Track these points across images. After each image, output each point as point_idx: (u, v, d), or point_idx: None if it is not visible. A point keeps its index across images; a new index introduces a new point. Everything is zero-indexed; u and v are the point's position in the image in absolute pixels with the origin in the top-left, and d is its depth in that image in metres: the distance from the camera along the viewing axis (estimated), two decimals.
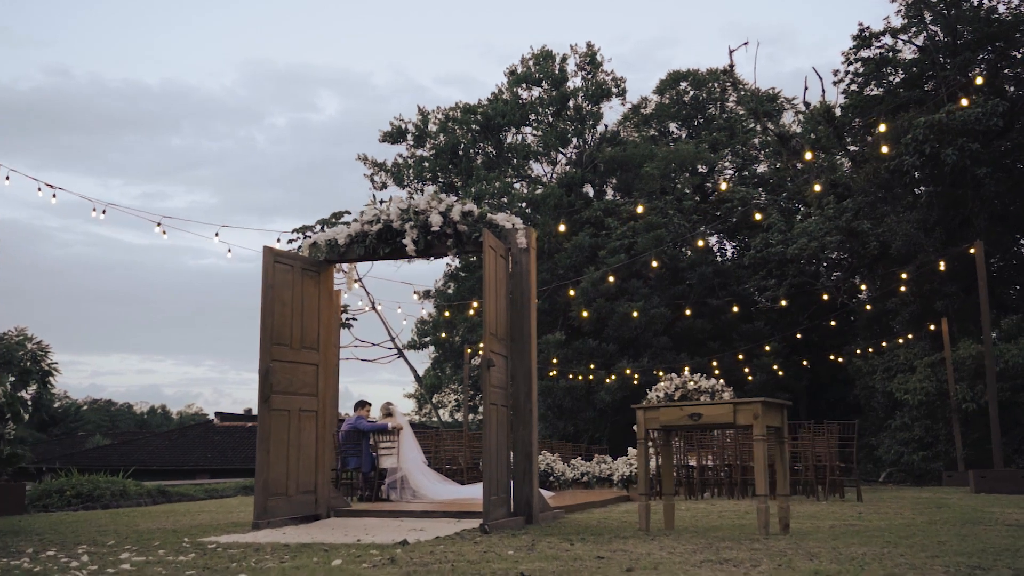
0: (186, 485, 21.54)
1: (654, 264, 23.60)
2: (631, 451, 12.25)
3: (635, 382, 25.05)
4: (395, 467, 11.82)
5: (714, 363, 24.58)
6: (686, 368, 23.14)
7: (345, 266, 8.15)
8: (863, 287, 26.89)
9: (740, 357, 25.48)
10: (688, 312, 26.99)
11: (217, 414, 42.18)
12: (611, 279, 25.58)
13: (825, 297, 24.52)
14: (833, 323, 29.00)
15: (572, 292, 25.68)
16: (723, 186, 33.37)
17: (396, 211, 7.74)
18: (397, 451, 11.86)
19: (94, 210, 12.12)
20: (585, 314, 25.26)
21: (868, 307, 25.62)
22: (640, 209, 24.67)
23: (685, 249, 29.65)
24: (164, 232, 12.19)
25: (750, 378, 25.81)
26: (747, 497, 11.85)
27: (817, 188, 23.23)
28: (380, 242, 7.76)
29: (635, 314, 25.38)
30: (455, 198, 7.39)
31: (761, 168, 36.59)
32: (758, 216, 25.56)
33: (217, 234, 11.78)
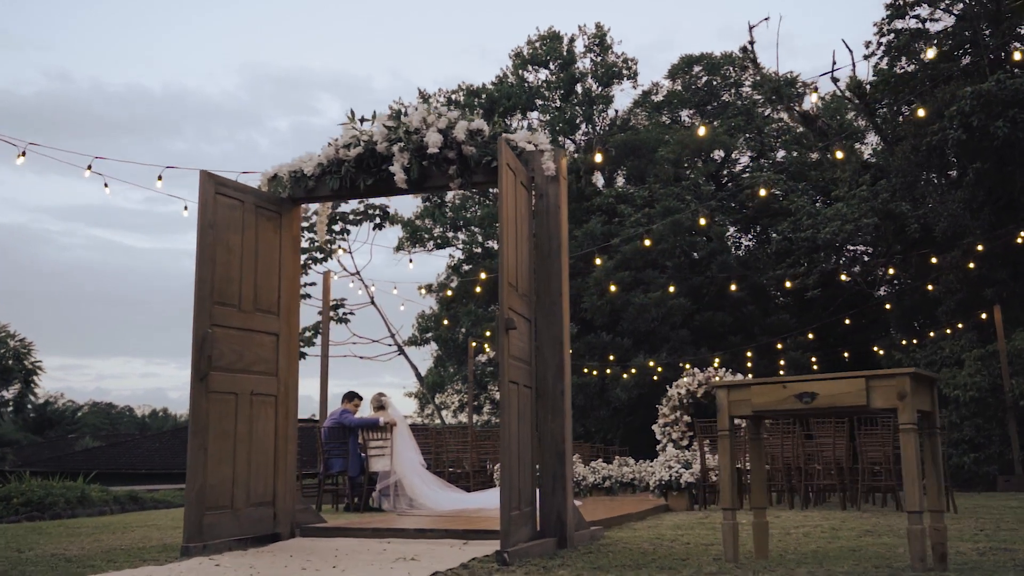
0: (170, 490, 19.82)
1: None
2: (671, 450, 10.32)
3: (655, 378, 23.12)
4: (388, 470, 9.90)
5: (747, 354, 22.65)
6: (716, 361, 21.22)
7: (316, 207, 6.21)
8: (891, 271, 24.99)
9: (779, 346, 23.53)
10: (706, 304, 25.13)
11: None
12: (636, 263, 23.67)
13: (851, 283, 22.65)
14: (865, 314, 27.10)
15: (599, 261, 23.68)
16: (762, 192, 31.42)
17: (381, 131, 5.82)
18: (390, 451, 9.94)
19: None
20: (613, 287, 23.27)
21: (906, 295, 23.67)
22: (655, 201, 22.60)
23: (704, 237, 27.74)
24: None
25: (782, 372, 23.86)
26: (816, 507, 9.91)
27: (840, 155, 21.32)
28: (360, 171, 5.84)
29: (650, 296, 23.46)
30: (458, 112, 5.44)
31: (780, 155, 34.71)
32: (763, 192, 23.64)
33: (160, 177, 9.85)
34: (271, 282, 5.84)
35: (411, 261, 22.60)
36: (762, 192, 28.53)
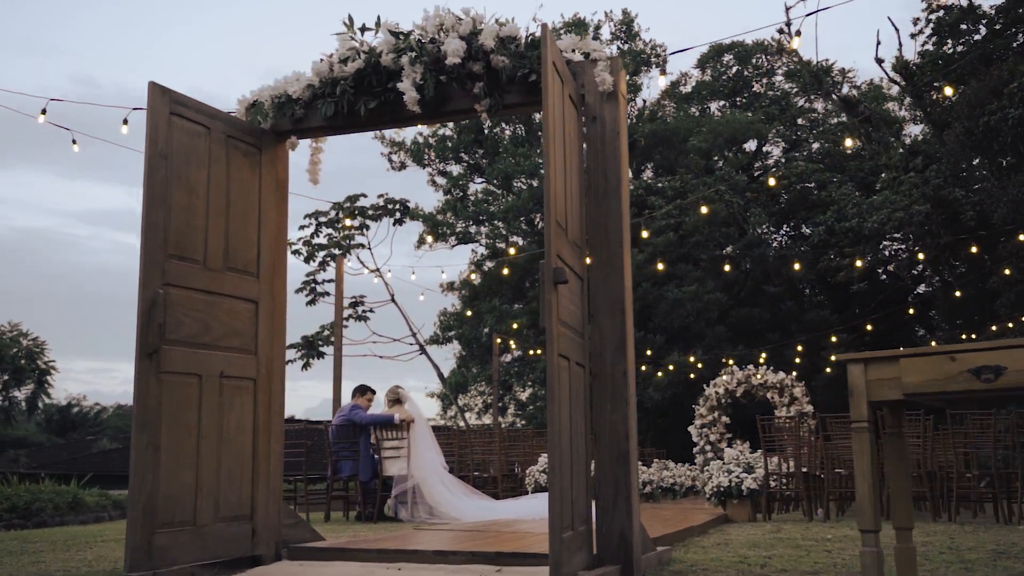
0: None
1: (704, 210, 20.32)
2: (728, 453, 8.97)
3: (692, 376, 21.74)
4: (405, 474, 8.63)
5: (796, 348, 21.23)
6: (762, 356, 19.81)
7: (309, 143, 4.93)
8: (940, 263, 23.45)
9: (833, 339, 22.08)
10: (742, 300, 23.75)
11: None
12: (660, 266, 22.27)
13: (894, 276, 21.19)
14: (913, 307, 25.64)
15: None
16: (771, 182, 30.00)
17: (387, 40, 4.53)
18: (408, 452, 8.67)
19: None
20: (660, 267, 21.86)
21: (960, 288, 22.16)
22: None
23: (739, 230, 26.31)
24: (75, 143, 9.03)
25: (827, 370, 22.40)
26: (950, 519, 8.51)
27: (885, 142, 19.83)
28: (360, 92, 4.55)
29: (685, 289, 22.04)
30: (488, 14, 4.15)
31: (815, 146, 33.22)
32: (772, 181, 22.22)
33: (126, 121, 8.59)
34: (247, 235, 4.57)
35: (443, 272, 21.31)
36: (771, 182, 27.09)
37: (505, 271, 24.95)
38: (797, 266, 25.06)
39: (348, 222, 32.15)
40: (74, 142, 9.04)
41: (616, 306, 4.22)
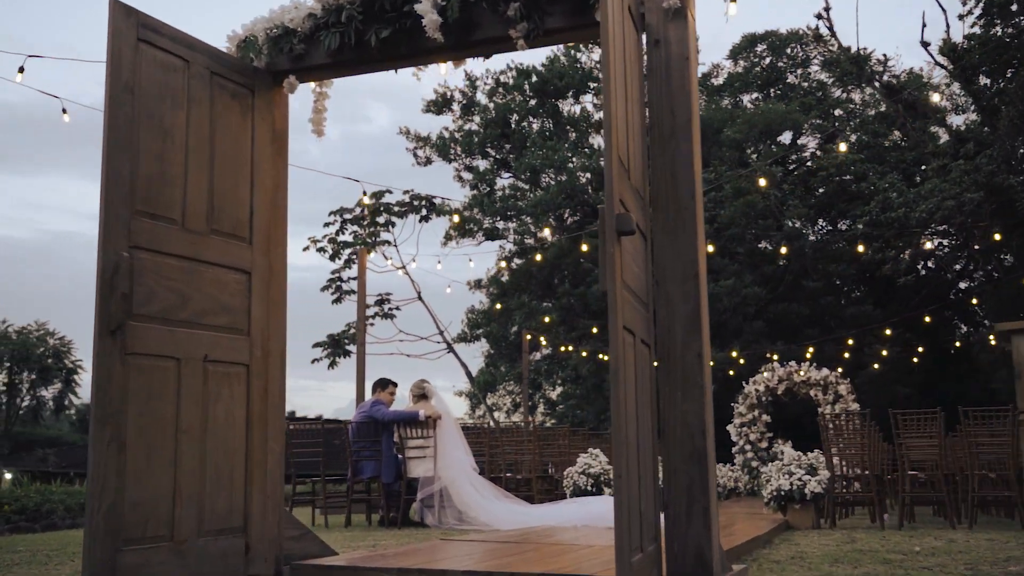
0: None
1: (762, 182, 19.43)
2: (788, 453, 8.07)
3: (731, 372, 20.83)
4: (431, 475, 7.86)
5: (838, 344, 20.29)
6: (809, 351, 18.88)
7: (312, 87, 4.16)
8: (967, 248, 22.39)
9: (888, 334, 21.12)
10: (780, 295, 22.78)
11: (289, 432, 39.20)
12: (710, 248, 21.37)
13: (936, 270, 20.17)
14: (957, 302, 24.57)
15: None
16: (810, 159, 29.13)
17: None
18: (434, 452, 7.90)
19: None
20: (711, 249, 20.98)
21: (1005, 283, 21.08)
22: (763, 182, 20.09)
23: (781, 222, 25.33)
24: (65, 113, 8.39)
25: (876, 366, 21.41)
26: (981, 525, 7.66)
27: (935, 98, 18.85)
28: (371, 19, 3.78)
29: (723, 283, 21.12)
30: None
31: (852, 138, 32.13)
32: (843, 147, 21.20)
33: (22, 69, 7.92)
34: (237, 192, 3.82)
35: (471, 261, 20.72)
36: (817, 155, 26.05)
37: (539, 257, 24.11)
38: (841, 259, 24.11)
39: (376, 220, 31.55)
40: (64, 111, 8.36)
41: (688, 272, 3.41)
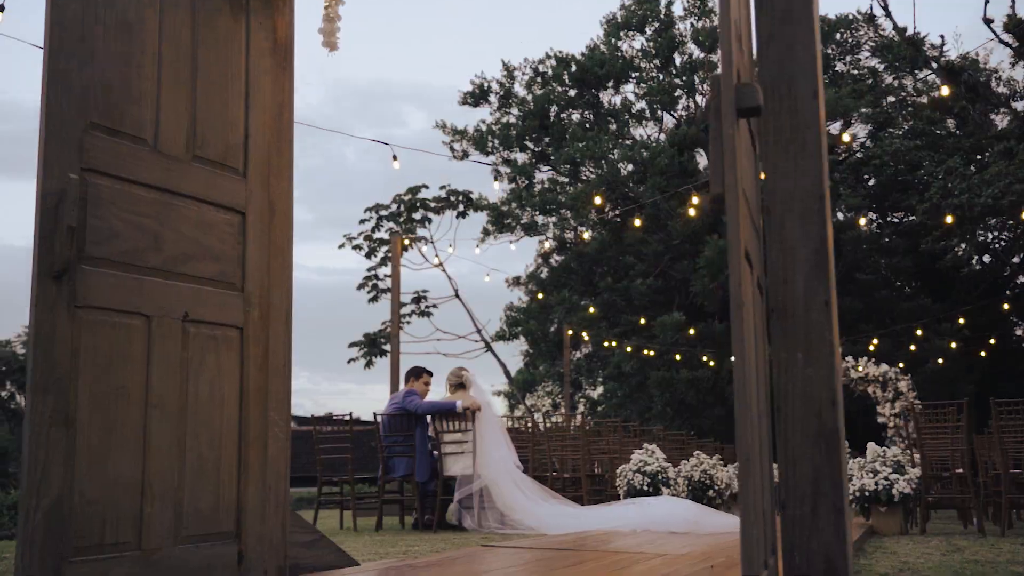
0: None
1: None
2: (871, 449, 7.12)
3: None
4: (470, 473, 7.08)
5: (892, 339, 19.22)
6: (873, 342, 17.86)
7: None
8: None
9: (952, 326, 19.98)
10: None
11: (316, 429, 38.79)
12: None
13: (993, 262, 19.02)
14: (1012, 298, 23.35)
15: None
16: (845, 137, 28.12)
17: None
18: (473, 447, 7.12)
19: None
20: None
21: None
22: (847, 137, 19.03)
23: (836, 211, 24.21)
24: None
25: (941, 361, 20.27)
26: None
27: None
28: None
29: None
30: None
31: (904, 127, 30.88)
32: (846, 137, 20.06)
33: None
34: (228, 113, 3.05)
35: (513, 244, 19.78)
36: (845, 137, 24.80)
37: (586, 236, 23.27)
38: (895, 252, 23.03)
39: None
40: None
41: (810, 201, 2.59)
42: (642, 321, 21.61)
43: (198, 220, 2.92)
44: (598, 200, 17.72)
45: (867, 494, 6.70)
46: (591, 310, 23.14)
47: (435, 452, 7.34)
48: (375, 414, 7.52)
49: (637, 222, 20.82)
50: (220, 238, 2.99)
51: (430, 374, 7.77)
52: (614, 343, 21.92)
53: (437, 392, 7.87)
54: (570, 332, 20.83)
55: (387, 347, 29.22)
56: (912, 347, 19.93)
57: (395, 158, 9.11)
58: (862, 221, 26.08)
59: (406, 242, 14.26)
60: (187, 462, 2.78)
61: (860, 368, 17.92)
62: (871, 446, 6.96)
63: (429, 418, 7.34)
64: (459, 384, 7.44)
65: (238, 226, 3.06)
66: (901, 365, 17.85)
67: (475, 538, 6.21)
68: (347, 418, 8.03)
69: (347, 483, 7.64)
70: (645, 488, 7.26)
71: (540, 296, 26.30)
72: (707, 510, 6.00)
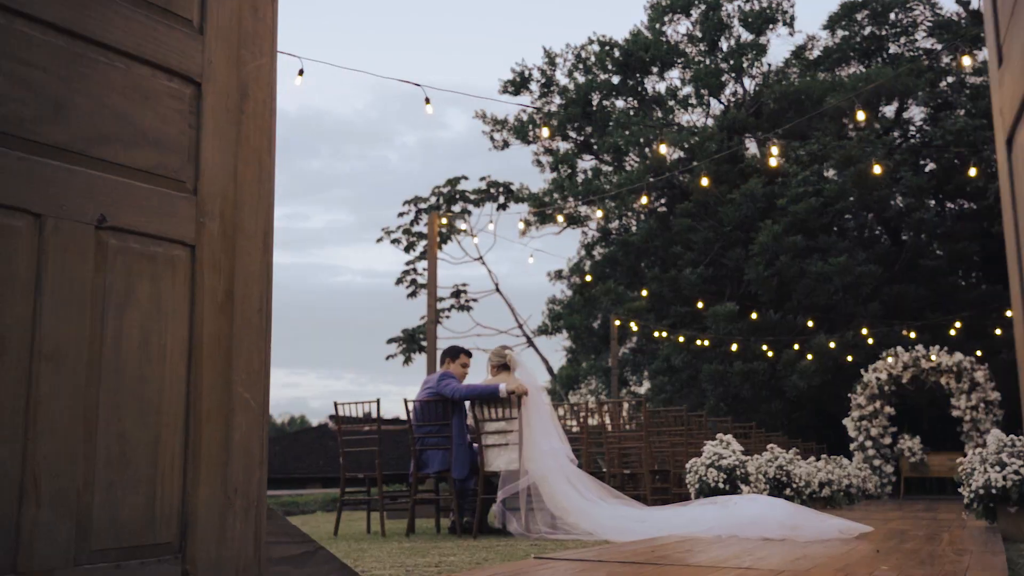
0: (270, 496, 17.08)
1: (877, 169, 17.12)
2: (993, 437, 6.02)
3: (850, 359, 18.62)
4: (515, 468, 6.12)
5: (957, 327, 17.90)
6: (956, 325, 16.61)
7: None
8: None
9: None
10: (897, 275, 20.45)
11: (331, 417, 38.29)
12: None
13: None
14: None
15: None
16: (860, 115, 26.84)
17: None
18: (519, 438, 6.14)
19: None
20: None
21: None
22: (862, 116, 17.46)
23: (893, 195, 22.94)
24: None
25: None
26: None
27: None
28: None
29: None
30: None
31: (960, 112, 29.38)
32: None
33: None
34: None
35: (561, 228, 18.71)
36: (860, 115, 23.47)
37: (633, 226, 22.22)
38: (962, 236, 21.66)
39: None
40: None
41: None
42: (699, 305, 20.49)
43: (128, 85, 1.97)
44: (646, 193, 16.56)
45: (993, 492, 5.60)
46: (643, 293, 22.04)
47: (475, 444, 6.38)
48: (405, 401, 6.57)
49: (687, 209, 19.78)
50: (162, 115, 2.04)
51: (469, 354, 6.81)
52: (665, 333, 20.84)
53: (478, 376, 6.93)
54: (617, 323, 19.77)
55: (425, 342, 28.40)
56: (997, 331, 18.53)
57: (427, 101, 8.16)
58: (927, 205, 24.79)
59: (443, 221, 13.33)
60: (100, 445, 1.84)
61: (933, 357, 16.67)
62: (995, 433, 5.85)
63: (468, 405, 6.39)
64: (502, 365, 6.46)
65: (189, 102, 2.11)
66: (979, 353, 16.60)
67: (523, 545, 5.25)
68: (373, 405, 7.08)
69: (374, 481, 6.69)
70: (721, 486, 6.24)
71: (588, 278, 25.23)
72: (806, 511, 4.97)
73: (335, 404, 6.87)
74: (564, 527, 5.77)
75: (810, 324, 19.36)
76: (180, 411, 2.01)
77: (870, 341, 18.30)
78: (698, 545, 4.22)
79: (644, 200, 15.84)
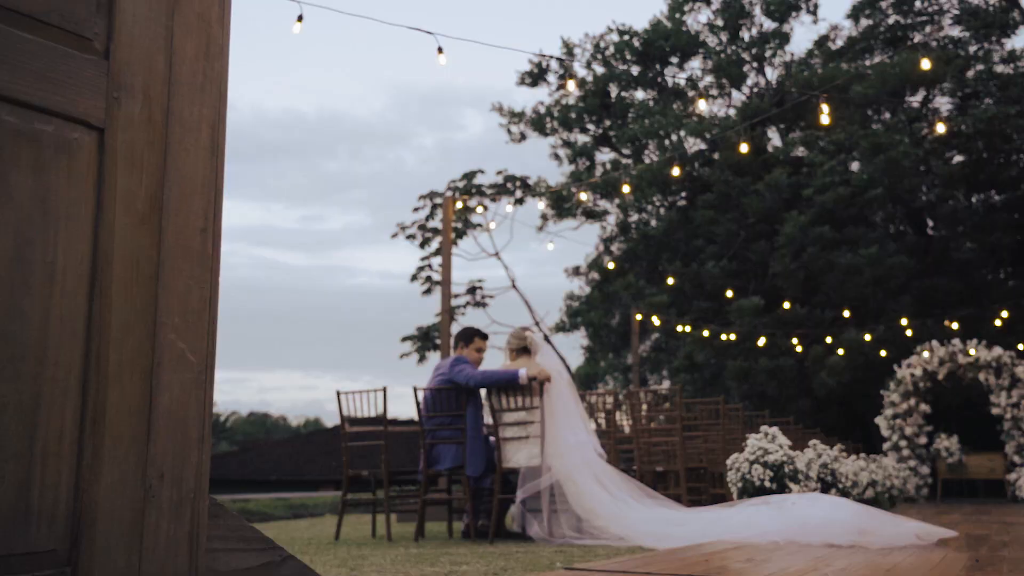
0: (271, 499, 16.64)
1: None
2: None
3: (884, 354, 17.88)
4: (537, 464, 5.49)
5: (996, 323, 17.14)
6: (1003, 313, 15.86)
7: None
8: None
9: None
10: (929, 267, 19.71)
11: (344, 418, 37.98)
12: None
13: None
14: None
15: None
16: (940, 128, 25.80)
17: None
18: (542, 431, 5.51)
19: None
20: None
21: None
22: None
23: (921, 185, 22.18)
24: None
25: None
26: None
27: None
28: None
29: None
30: None
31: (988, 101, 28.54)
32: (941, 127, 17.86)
33: None
34: None
35: (555, 222, 18.04)
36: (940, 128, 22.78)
37: (653, 222, 21.58)
38: (995, 227, 20.86)
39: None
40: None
41: None
42: (729, 293, 19.78)
43: None
44: (676, 171, 15.87)
45: None
46: (670, 281, 21.35)
47: (492, 438, 5.76)
48: (415, 389, 5.94)
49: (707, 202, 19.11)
50: None
51: (484, 337, 6.17)
52: (688, 327, 20.16)
53: (495, 362, 6.32)
54: (639, 317, 19.11)
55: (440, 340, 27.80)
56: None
57: (440, 50, 7.54)
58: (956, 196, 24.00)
59: (459, 206, 12.75)
60: None
61: (971, 352, 15.91)
62: None
63: (484, 393, 5.77)
64: (522, 348, 5.82)
65: None
66: (1021, 347, 15.84)
67: (546, 552, 4.63)
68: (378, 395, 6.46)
69: (379, 481, 6.06)
70: (766, 484, 5.57)
71: (611, 266, 24.56)
72: (878, 513, 4.31)
73: (338, 394, 6.27)
74: (592, 531, 5.14)
75: (847, 314, 18.63)
76: (76, 361, 1.40)
77: (908, 333, 17.54)
78: (758, 553, 3.59)
79: (676, 171, 15.00)
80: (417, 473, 6.07)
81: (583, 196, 27.26)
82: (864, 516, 4.15)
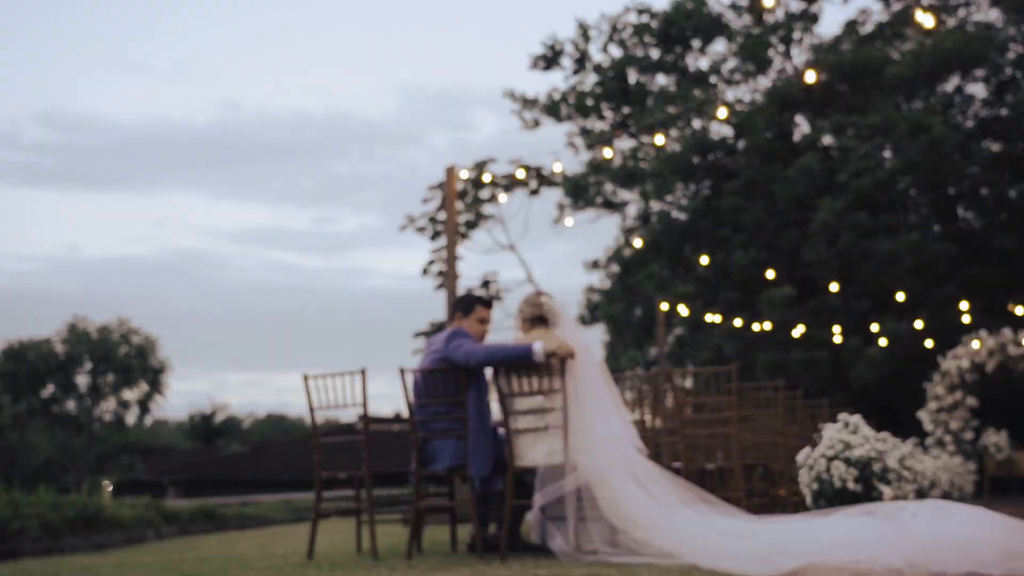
0: (277, 501, 15.98)
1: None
2: None
3: (929, 344, 16.68)
4: (559, 462, 4.31)
5: None
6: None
7: None
8: None
9: None
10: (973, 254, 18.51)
11: (361, 417, 37.28)
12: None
13: None
14: None
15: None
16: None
17: None
18: (564, 419, 4.32)
19: None
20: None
21: None
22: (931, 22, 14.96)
23: (963, 170, 20.91)
24: None
25: None
26: None
27: None
28: None
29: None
30: None
31: None
32: None
33: None
34: None
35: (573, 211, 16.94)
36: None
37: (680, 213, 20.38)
38: None
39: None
40: None
41: None
42: (770, 274, 18.60)
43: None
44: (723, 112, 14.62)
45: None
46: (703, 261, 20.20)
47: (501, 429, 4.59)
48: (402, 371, 4.74)
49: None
50: None
51: (488, 305, 4.94)
52: (718, 318, 19.00)
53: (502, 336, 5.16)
54: (664, 307, 17.95)
55: None
56: None
57: None
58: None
59: (463, 176, 11.67)
60: None
61: (1020, 343, 14.78)
62: None
63: (490, 374, 4.59)
64: (538, 318, 4.59)
65: None
66: None
67: (575, 572, 3.49)
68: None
69: (362, 481, 4.90)
70: (849, 486, 4.36)
71: (639, 244, 23.37)
72: None
73: (304, 378, 5.17)
74: (631, 545, 3.96)
75: (900, 297, 17.41)
76: None
77: (966, 319, 16.32)
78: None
79: (723, 112, 13.72)
80: (408, 474, 4.88)
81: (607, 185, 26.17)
82: (1017, 534, 2.97)
